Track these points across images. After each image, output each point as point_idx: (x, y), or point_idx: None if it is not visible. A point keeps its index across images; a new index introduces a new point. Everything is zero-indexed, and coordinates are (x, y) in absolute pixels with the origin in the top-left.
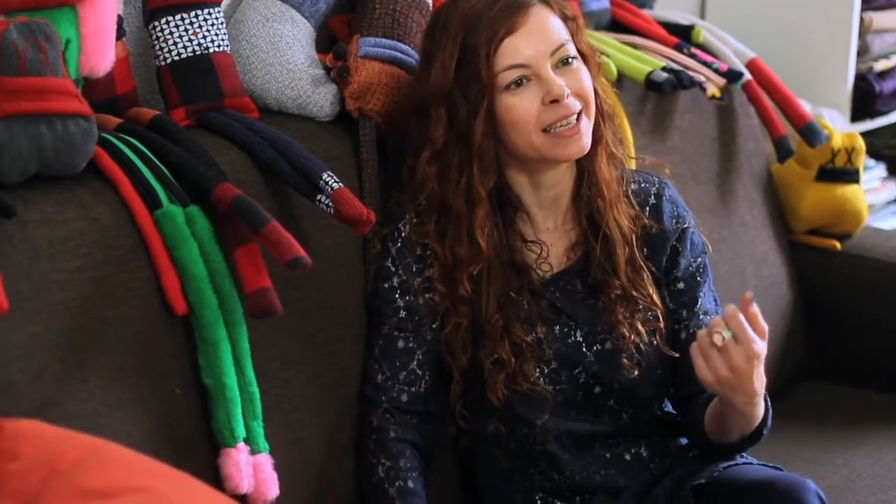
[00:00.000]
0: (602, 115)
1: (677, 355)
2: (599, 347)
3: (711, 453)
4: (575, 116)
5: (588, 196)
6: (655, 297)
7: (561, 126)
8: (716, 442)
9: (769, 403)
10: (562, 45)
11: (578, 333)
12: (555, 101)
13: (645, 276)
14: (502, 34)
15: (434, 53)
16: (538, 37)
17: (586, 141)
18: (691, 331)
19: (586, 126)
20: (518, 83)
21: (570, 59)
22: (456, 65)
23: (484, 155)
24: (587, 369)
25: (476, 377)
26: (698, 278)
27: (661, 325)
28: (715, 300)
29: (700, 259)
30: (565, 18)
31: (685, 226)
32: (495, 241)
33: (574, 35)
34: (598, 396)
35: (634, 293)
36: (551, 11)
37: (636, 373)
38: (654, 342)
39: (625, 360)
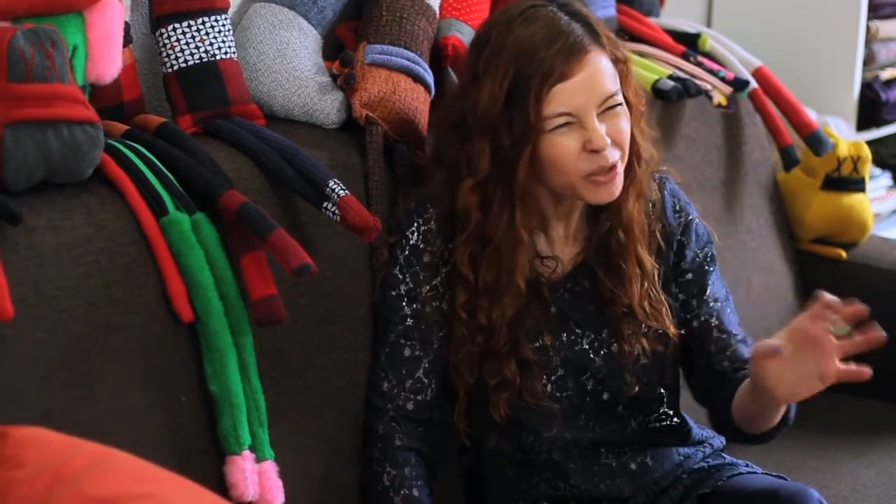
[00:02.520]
0: (638, 159)
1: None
2: (606, 352)
3: (738, 438)
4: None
5: (606, 223)
6: (669, 325)
7: (601, 175)
8: (743, 428)
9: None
10: (611, 96)
11: (585, 340)
12: (595, 151)
13: (664, 309)
14: (555, 79)
15: (482, 76)
16: (590, 86)
17: (619, 186)
18: (703, 318)
19: (620, 172)
20: (563, 126)
21: (615, 106)
22: (505, 96)
23: (527, 195)
24: (595, 375)
25: (481, 393)
26: (706, 267)
27: (669, 347)
28: (725, 289)
29: (707, 249)
30: (616, 61)
31: (689, 217)
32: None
33: (623, 79)
34: (607, 403)
35: (643, 314)
36: (604, 54)
37: (637, 389)
38: (659, 355)
39: (626, 375)
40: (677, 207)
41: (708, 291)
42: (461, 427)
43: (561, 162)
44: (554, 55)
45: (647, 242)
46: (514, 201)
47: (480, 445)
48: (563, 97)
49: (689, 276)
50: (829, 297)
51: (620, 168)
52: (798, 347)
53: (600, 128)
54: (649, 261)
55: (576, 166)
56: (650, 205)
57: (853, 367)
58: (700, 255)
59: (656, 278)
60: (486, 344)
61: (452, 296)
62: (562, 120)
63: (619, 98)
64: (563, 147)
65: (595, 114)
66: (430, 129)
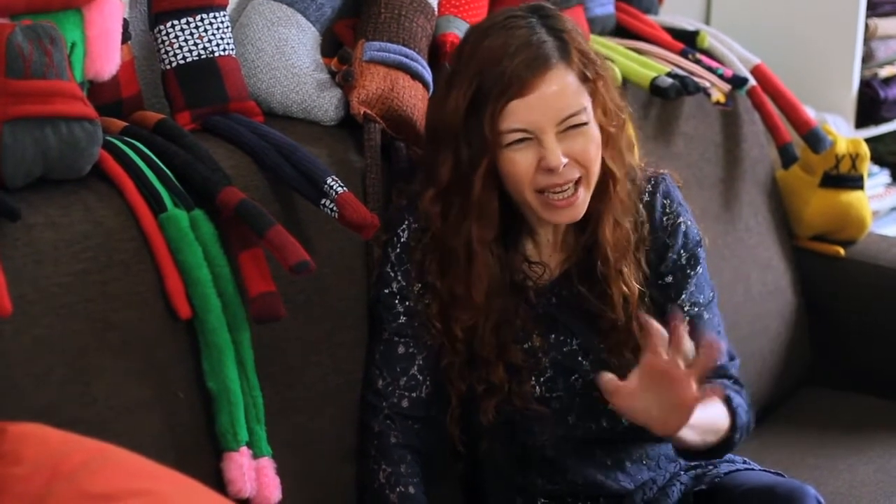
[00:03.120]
0: (613, 181)
1: None
2: (594, 356)
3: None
4: (572, 186)
5: (588, 239)
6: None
7: (555, 194)
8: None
9: (741, 419)
10: (572, 115)
11: (574, 342)
12: (550, 170)
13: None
14: (512, 94)
15: (453, 82)
16: (548, 104)
17: (580, 210)
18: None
19: (583, 196)
20: (519, 141)
21: (579, 125)
22: (466, 108)
23: (483, 208)
24: (584, 377)
25: (473, 398)
26: (688, 271)
27: None
28: (712, 292)
29: (692, 251)
30: (585, 80)
31: (678, 220)
32: (496, 271)
33: (593, 97)
34: (597, 401)
35: (628, 324)
36: (570, 72)
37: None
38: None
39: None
40: (667, 210)
41: (683, 296)
42: (455, 433)
43: (517, 177)
44: (515, 68)
45: (635, 260)
46: (471, 213)
47: (474, 448)
48: (519, 113)
49: (669, 278)
50: (655, 326)
51: (583, 193)
52: (654, 382)
53: (557, 147)
54: (634, 286)
55: (531, 183)
56: (639, 210)
57: (707, 388)
58: (683, 257)
59: (641, 298)
60: (471, 351)
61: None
62: (517, 136)
63: (584, 117)
64: (518, 163)
65: (554, 132)
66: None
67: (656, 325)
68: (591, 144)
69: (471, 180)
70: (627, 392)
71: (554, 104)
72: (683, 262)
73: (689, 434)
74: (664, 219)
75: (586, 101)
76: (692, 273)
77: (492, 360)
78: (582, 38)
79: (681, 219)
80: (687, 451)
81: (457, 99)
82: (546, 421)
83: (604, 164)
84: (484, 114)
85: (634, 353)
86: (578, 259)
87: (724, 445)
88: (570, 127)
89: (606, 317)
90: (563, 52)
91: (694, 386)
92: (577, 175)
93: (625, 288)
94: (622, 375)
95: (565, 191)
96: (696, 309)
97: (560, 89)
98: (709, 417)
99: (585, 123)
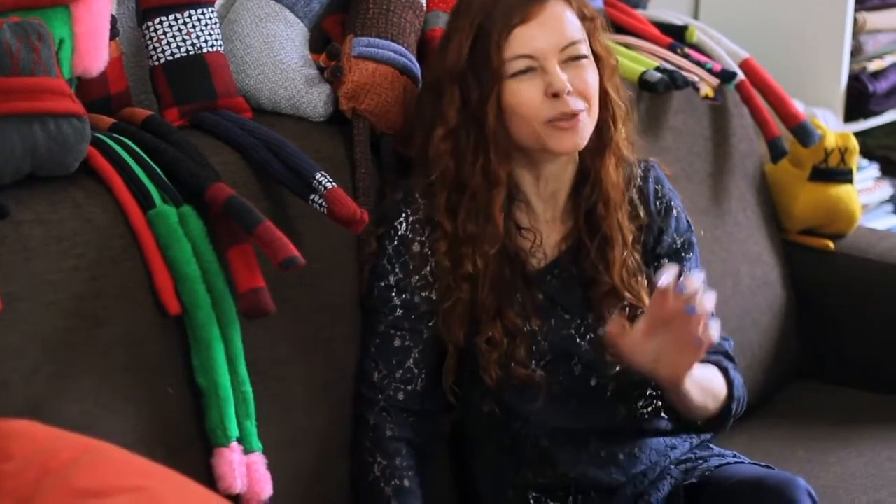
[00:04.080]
0: (613, 118)
1: None
2: (592, 336)
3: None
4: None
5: (589, 195)
6: (645, 297)
7: (563, 121)
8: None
9: (737, 390)
10: (573, 44)
11: (572, 324)
12: (555, 96)
13: (640, 277)
14: (515, 22)
15: (452, 33)
16: (550, 30)
17: (584, 136)
18: None
19: (585, 121)
20: (524, 72)
21: (578, 57)
22: (470, 47)
23: (499, 139)
24: (582, 359)
25: (471, 359)
26: (682, 255)
27: None
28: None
29: (686, 236)
30: (583, 17)
31: (671, 204)
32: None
33: (590, 35)
34: (595, 389)
35: (625, 292)
36: (569, 7)
37: (617, 368)
38: None
39: (608, 355)
40: (659, 194)
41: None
42: (448, 383)
43: (523, 107)
44: (514, 2)
45: (628, 211)
46: (487, 145)
47: (470, 415)
48: (521, 40)
49: (665, 261)
50: (662, 278)
51: (585, 118)
52: (662, 324)
53: (562, 74)
54: (628, 227)
55: (538, 112)
56: (633, 183)
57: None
58: (678, 241)
59: (632, 244)
60: (473, 298)
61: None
62: (522, 64)
63: (584, 49)
64: (524, 93)
65: (556, 60)
66: (416, 118)
67: (664, 277)
68: (592, 77)
69: (484, 112)
70: (635, 335)
71: (556, 29)
72: (678, 245)
73: (693, 390)
74: (658, 202)
75: (584, 36)
76: (687, 257)
77: (490, 318)
78: None
79: (673, 202)
80: (686, 424)
81: (459, 42)
82: (539, 393)
83: (607, 98)
84: (490, 45)
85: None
86: (578, 231)
87: (722, 417)
88: (570, 58)
89: (602, 281)
90: None
91: (701, 327)
92: (581, 106)
93: (619, 234)
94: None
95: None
96: None
97: (559, 18)
98: (709, 379)
99: (585, 56)
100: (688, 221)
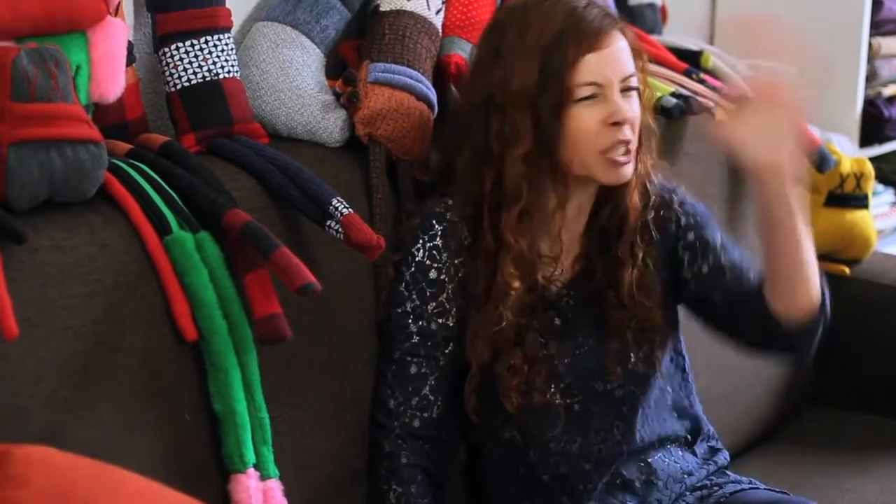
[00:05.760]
0: (648, 148)
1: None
2: (605, 354)
3: (781, 342)
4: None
5: (608, 217)
6: (656, 314)
7: (618, 153)
8: (781, 312)
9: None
10: (631, 75)
11: (587, 344)
12: (615, 125)
13: (654, 295)
14: (586, 48)
15: (504, 53)
16: (616, 60)
17: (631, 170)
18: (711, 261)
19: (634, 154)
20: (587, 98)
21: (632, 89)
22: (539, 69)
23: (564, 161)
24: (599, 378)
25: (490, 385)
26: (703, 222)
27: (656, 344)
28: (730, 240)
29: (701, 209)
30: (635, 50)
31: (680, 196)
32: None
33: (638, 69)
34: (611, 409)
35: (634, 310)
36: (626, 42)
37: (617, 384)
38: (647, 356)
39: (618, 368)
40: (669, 198)
41: (710, 242)
42: (470, 403)
43: (584, 134)
44: (585, 27)
45: (644, 233)
46: (557, 167)
47: (488, 440)
48: (592, 66)
49: (691, 234)
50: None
51: (634, 150)
52: (762, 102)
53: (623, 103)
54: (639, 246)
55: (595, 140)
56: (650, 205)
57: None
58: (697, 217)
59: (649, 263)
60: (499, 321)
61: (458, 311)
62: (588, 91)
63: (636, 82)
64: (586, 120)
65: (617, 89)
66: (434, 141)
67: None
68: (639, 108)
69: (556, 136)
70: (735, 120)
71: (621, 60)
72: (700, 220)
73: (798, 216)
74: (669, 199)
75: (635, 70)
76: (710, 224)
77: (511, 344)
78: None
79: (681, 196)
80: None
81: (527, 63)
82: (558, 420)
83: (643, 128)
84: (564, 69)
85: (633, 333)
86: (589, 251)
87: (819, 318)
88: (627, 88)
89: (612, 300)
90: (617, 20)
91: (800, 105)
92: (632, 136)
93: (630, 256)
94: (623, 358)
95: (627, 149)
96: (726, 248)
97: (624, 49)
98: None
99: (637, 88)
100: (719, 232)
